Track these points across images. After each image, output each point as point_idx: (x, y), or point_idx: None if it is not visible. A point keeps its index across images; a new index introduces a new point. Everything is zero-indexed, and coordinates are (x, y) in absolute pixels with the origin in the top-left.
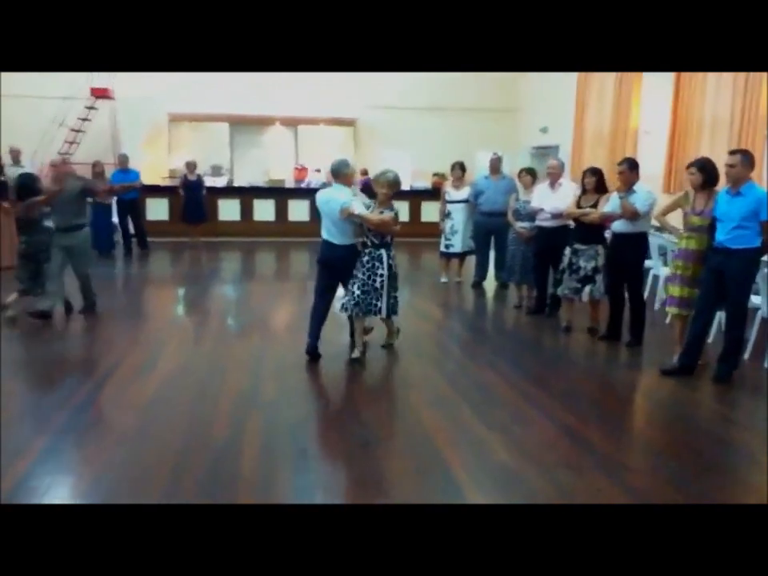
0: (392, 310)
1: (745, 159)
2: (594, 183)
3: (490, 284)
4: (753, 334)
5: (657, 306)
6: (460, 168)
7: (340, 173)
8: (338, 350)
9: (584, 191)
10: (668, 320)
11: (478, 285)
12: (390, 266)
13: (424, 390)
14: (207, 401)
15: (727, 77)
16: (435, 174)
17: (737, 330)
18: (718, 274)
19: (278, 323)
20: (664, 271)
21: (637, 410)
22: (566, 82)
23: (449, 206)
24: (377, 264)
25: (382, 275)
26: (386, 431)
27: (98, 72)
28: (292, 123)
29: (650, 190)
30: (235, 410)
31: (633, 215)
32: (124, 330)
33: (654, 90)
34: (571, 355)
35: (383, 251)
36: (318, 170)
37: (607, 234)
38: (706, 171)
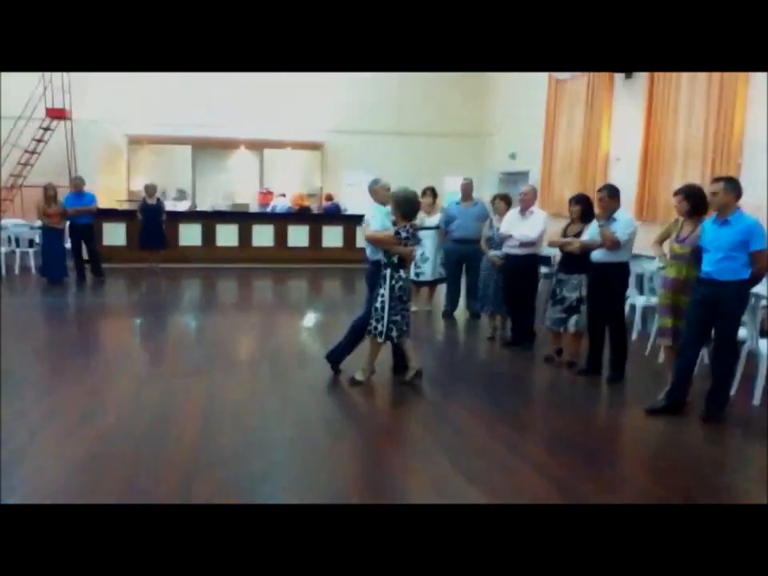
0: (387, 334)
1: (729, 186)
2: (579, 212)
3: (462, 314)
4: (740, 367)
5: (634, 336)
6: (431, 193)
7: (371, 190)
8: (315, 381)
9: (571, 220)
10: (647, 351)
11: (448, 314)
12: (392, 287)
13: (396, 434)
14: (152, 458)
15: (700, 102)
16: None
17: (726, 365)
18: (705, 307)
19: (240, 359)
20: (640, 300)
21: (625, 454)
22: (535, 107)
23: (419, 233)
24: (380, 282)
25: (382, 295)
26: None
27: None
28: (257, 146)
29: (631, 218)
30: (185, 467)
31: (613, 244)
32: (65, 371)
33: (625, 115)
34: (553, 394)
35: (388, 270)
36: (284, 195)
37: None
38: (692, 198)
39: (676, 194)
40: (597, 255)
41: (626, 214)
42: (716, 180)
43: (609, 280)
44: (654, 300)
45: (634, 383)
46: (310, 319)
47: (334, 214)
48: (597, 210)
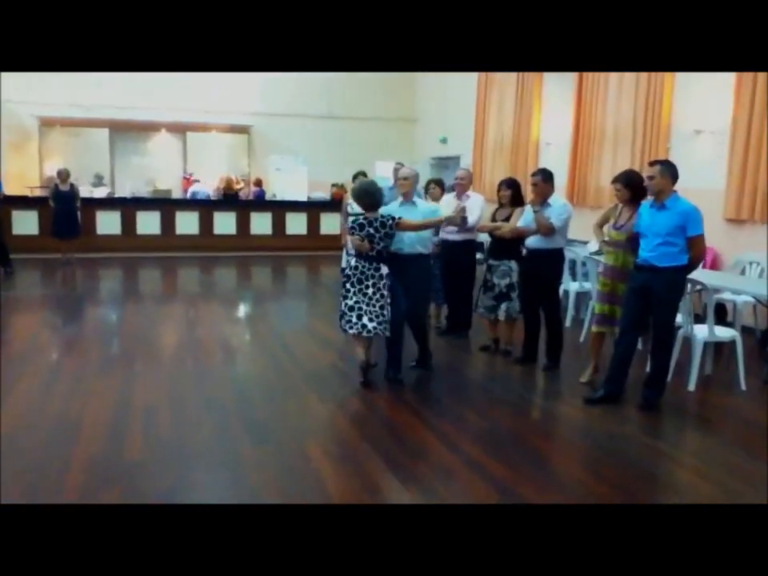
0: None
1: (664, 169)
2: (509, 197)
3: None
4: (675, 353)
5: (568, 323)
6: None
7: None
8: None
9: (500, 204)
10: (582, 338)
11: None
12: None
13: (322, 436)
14: (49, 471)
15: (629, 87)
16: (334, 185)
17: (663, 353)
18: (643, 293)
19: (159, 354)
20: (573, 286)
21: (563, 449)
22: (465, 91)
23: (351, 220)
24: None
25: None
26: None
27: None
28: (180, 130)
29: (566, 202)
30: (89, 477)
31: (548, 230)
32: None
33: (555, 100)
34: (489, 384)
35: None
36: (198, 180)
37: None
38: (632, 186)
39: (614, 181)
40: (531, 242)
41: (560, 198)
42: (652, 163)
43: (544, 267)
44: (586, 286)
45: (570, 371)
46: (237, 310)
47: (262, 201)
48: (531, 194)
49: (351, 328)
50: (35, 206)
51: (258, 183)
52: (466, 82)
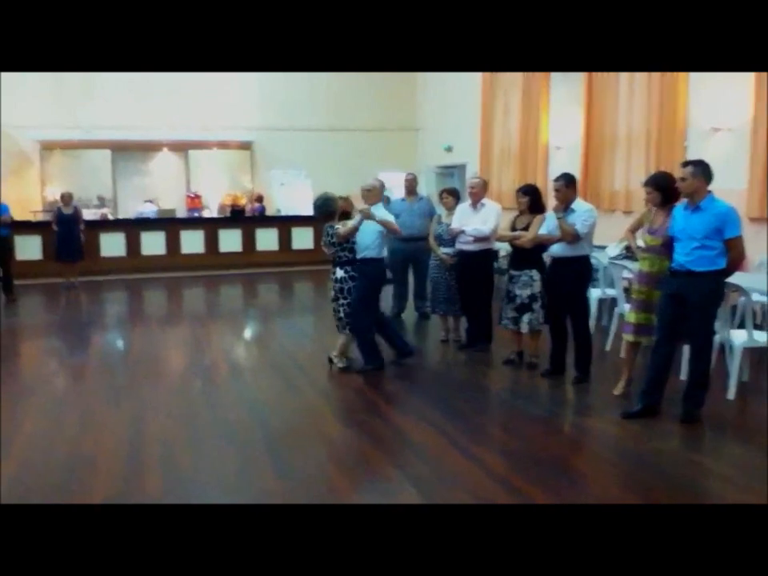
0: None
1: (698, 170)
2: (527, 203)
3: (410, 315)
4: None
5: (592, 331)
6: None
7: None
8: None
9: (519, 212)
10: (608, 347)
11: (396, 317)
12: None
13: (344, 454)
14: (70, 499)
15: (641, 85)
16: (340, 198)
17: (702, 362)
18: (678, 299)
19: (170, 378)
20: (594, 293)
21: (602, 467)
22: (468, 97)
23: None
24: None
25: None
26: None
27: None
28: (181, 148)
29: (591, 207)
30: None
31: (572, 237)
32: None
33: (564, 103)
34: (516, 399)
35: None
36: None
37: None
38: (662, 189)
39: (645, 184)
40: (556, 249)
41: (584, 203)
42: (684, 164)
43: (569, 275)
44: (609, 292)
45: (601, 383)
46: (247, 330)
47: (264, 216)
48: (554, 200)
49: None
50: (38, 230)
51: (259, 199)
52: (468, 88)
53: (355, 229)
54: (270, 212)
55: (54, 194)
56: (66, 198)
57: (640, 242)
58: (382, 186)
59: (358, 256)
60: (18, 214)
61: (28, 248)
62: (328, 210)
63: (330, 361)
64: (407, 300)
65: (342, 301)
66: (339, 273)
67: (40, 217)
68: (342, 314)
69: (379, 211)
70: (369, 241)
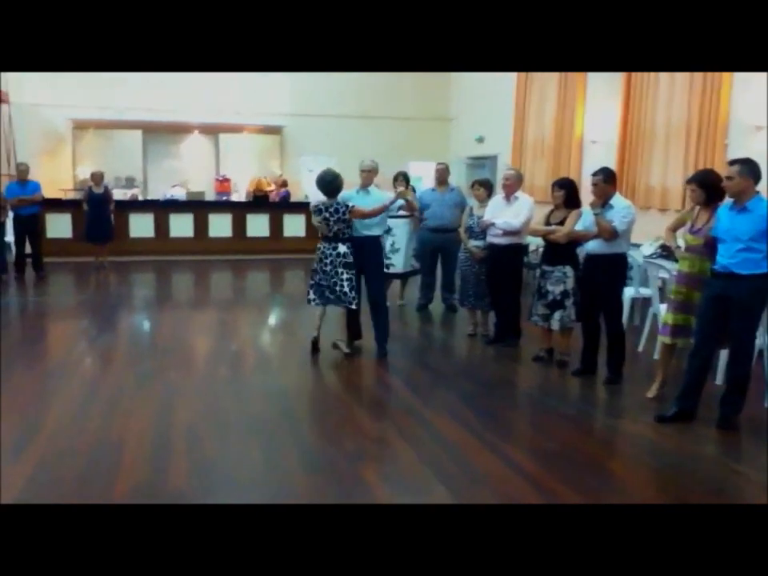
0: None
1: (745, 169)
2: (563, 197)
3: (437, 307)
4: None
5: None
6: (404, 178)
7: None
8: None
9: (555, 206)
10: (640, 347)
11: (423, 308)
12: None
13: (372, 448)
14: (95, 500)
15: (682, 81)
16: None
17: (742, 367)
18: (720, 302)
19: (196, 363)
20: (628, 292)
21: (634, 471)
22: (503, 88)
23: (389, 221)
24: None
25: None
26: None
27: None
28: (212, 131)
29: (630, 204)
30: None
31: (610, 234)
32: None
33: (601, 95)
34: (546, 397)
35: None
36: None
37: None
38: (707, 186)
39: (689, 181)
40: (591, 246)
41: (622, 200)
42: (731, 163)
43: (603, 272)
44: (643, 291)
45: (633, 385)
46: (273, 317)
47: (291, 203)
48: (592, 196)
49: (310, 302)
50: (68, 209)
51: (284, 184)
52: (503, 79)
53: (386, 207)
54: (297, 198)
55: (85, 173)
56: (97, 177)
57: (680, 242)
58: (376, 167)
59: (366, 233)
60: (49, 192)
61: (58, 226)
62: (339, 186)
63: (335, 346)
64: (434, 291)
65: (347, 275)
66: (342, 248)
67: (71, 195)
68: (346, 288)
69: (374, 193)
70: (378, 218)
